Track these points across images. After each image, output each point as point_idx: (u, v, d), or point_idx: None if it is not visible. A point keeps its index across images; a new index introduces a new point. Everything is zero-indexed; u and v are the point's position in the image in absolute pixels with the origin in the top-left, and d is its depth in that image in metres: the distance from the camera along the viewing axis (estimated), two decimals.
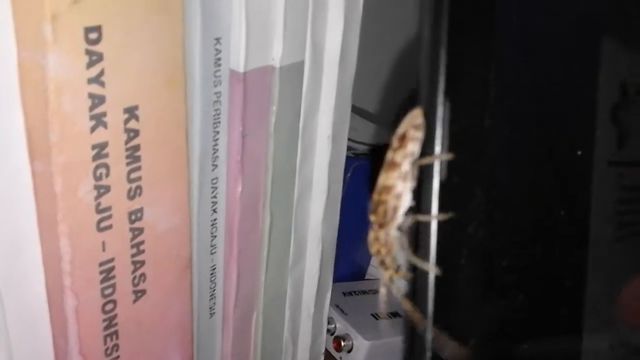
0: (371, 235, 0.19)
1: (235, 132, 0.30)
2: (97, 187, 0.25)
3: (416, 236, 0.18)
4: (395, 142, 0.18)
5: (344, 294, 0.49)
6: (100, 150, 0.25)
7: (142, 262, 0.28)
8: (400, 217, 0.18)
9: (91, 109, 0.24)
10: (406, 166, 0.18)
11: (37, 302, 0.27)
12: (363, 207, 0.51)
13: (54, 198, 0.24)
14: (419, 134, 0.18)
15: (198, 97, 0.28)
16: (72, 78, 0.23)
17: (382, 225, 0.18)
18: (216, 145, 0.30)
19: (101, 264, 0.27)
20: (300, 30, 0.31)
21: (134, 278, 0.28)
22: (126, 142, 0.25)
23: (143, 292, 0.29)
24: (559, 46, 0.22)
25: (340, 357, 0.45)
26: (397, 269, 0.19)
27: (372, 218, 0.19)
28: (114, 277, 0.27)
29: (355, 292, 0.51)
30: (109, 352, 0.28)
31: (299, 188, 0.36)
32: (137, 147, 0.26)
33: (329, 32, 0.32)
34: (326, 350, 0.45)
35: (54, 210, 0.25)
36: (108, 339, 0.28)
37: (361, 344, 0.44)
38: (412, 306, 0.18)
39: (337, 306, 0.46)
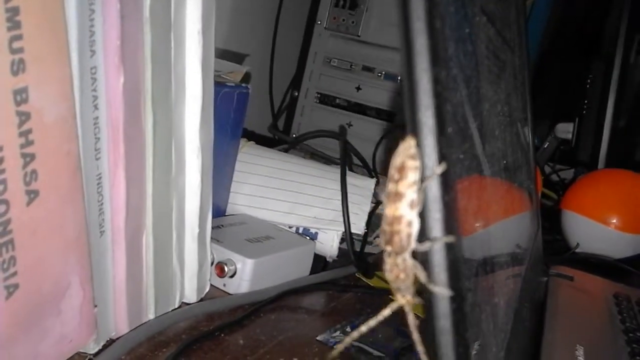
0: (389, 263, 0.19)
1: (112, 11, 0.28)
2: None
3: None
4: (395, 174, 0.19)
5: (213, 227, 0.48)
6: None
7: (33, 156, 0.25)
8: (413, 242, 0.19)
9: None
10: (412, 195, 0.18)
11: None
12: (225, 144, 0.50)
13: None
14: (417, 163, 0.18)
15: None
16: None
17: (398, 253, 0.19)
18: (93, 26, 0.27)
19: None
20: None
21: (26, 175, 0.24)
22: (6, 1, 0.22)
23: (36, 193, 0.25)
24: None
25: (224, 284, 0.44)
26: (413, 295, 0.19)
27: (388, 248, 0.19)
28: (4, 170, 0.23)
29: (222, 225, 0.50)
30: (5, 265, 0.24)
31: (175, 87, 0.34)
32: (16, 10, 0.22)
33: None
34: None
35: None
36: (4, 250, 0.24)
37: (245, 264, 0.44)
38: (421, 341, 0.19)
39: (211, 237, 0.45)
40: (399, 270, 0.19)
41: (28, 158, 0.24)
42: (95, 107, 0.29)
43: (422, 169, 0.18)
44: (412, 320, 0.19)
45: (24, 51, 0.23)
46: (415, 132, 0.17)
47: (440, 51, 0.18)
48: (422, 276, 0.18)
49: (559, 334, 0.41)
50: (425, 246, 0.18)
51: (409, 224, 0.19)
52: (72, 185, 0.27)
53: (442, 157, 0.18)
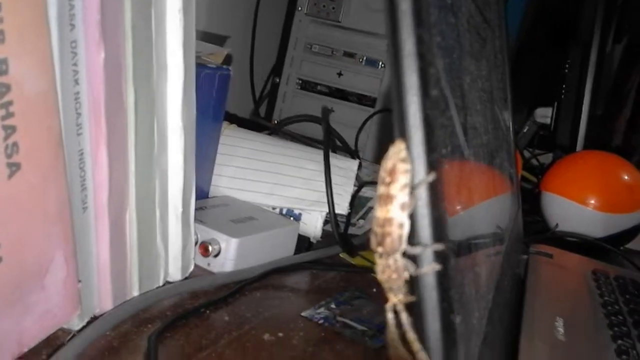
0: (381, 264, 0.20)
1: None
2: None
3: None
4: (386, 177, 0.19)
5: (196, 209, 0.48)
6: None
7: (14, 128, 0.24)
8: (404, 243, 0.19)
9: None
10: (403, 197, 0.19)
11: None
12: (208, 126, 0.50)
13: None
14: (408, 166, 0.18)
15: None
16: None
17: (390, 254, 0.19)
18: None
19: None
20: None
21: (7, 147, 0.24)
22: None
23: (17, 166, 0.25)
24: None
25: (209, 264, 0.44)
26: (405, 294, 0.20)
27: (379, 250, 0.19)
28: None
29: (206, 207, 0.50)
30: None
31: (157, 65, 0.34)
32: None
33: None
34: None
35: None
36: None
37: (229, 243, 0.44)
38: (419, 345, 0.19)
39: (194, 218, 0.45)
40: (391, 271, 0.20)
41: (9, 130, 0.24)
42: (76, 82, 0.29)
43: (413, 172, 0.18)
44: (405, 319, 0.19)
45: (3, 21, 0.23)
46: (400, 93, 0.17)
47: (423, 14, 0.18)
48: (413, 269, 0.19)
49: (539, 307, 0.42)
50: (416, 250, 0.18)
51: (400, 225, 0.19)
52: (54, 160, 0.27)
53: (426, 118, 0.18)
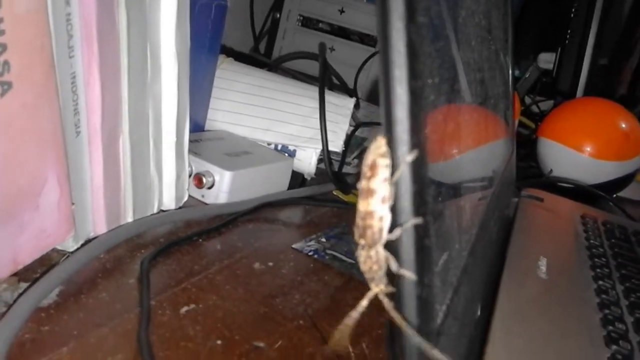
0: (362, 255, 0.20)
1: None
2: None
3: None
4: (367, 171, 0.20)
5: (191, 141, 0.48)
6: None
7: (4, 46, 0.24)
8: (385, 236, 0.20)
9: None
10: (383, 191, 0.19)
11: None
12: (204, 58, 0.49)
13: None
14: (387, 161, 0.19)
15: None
16: None
17: (371, 246, 0.20)
18: None
19: None
20: None
21: None
22: None
23: (9, 84, 0.25)
24: None
25: (202, 195, 0.45)
26: (386, 284, 0.21)
27: (361, 242, 0.20)
28: None
29: (201, 139, 0.50)
30: None
31: None
32: None
33: None
34: None
35: None
36: None
37: (223, 176, 0.44)
38: (403, 320, 0.19)
39: (189, 150, 0.45)
40: (372, 262, 0.20)
41: (0, 48, 0.24)
42: (67, 2, 0.28)
43: (393, 165, 0.19)
44: (387, 304, 0.20)
45: None
46: (384, 16, 0.17)
47: None
48: (394, 265, 0.19)
49: (525, 246, 0.43)
50: (395, 235, 0.19)
51: (381, 218, 0.20)
52: (46, 80, 0.27)
53: (411, 45, 0.18)
